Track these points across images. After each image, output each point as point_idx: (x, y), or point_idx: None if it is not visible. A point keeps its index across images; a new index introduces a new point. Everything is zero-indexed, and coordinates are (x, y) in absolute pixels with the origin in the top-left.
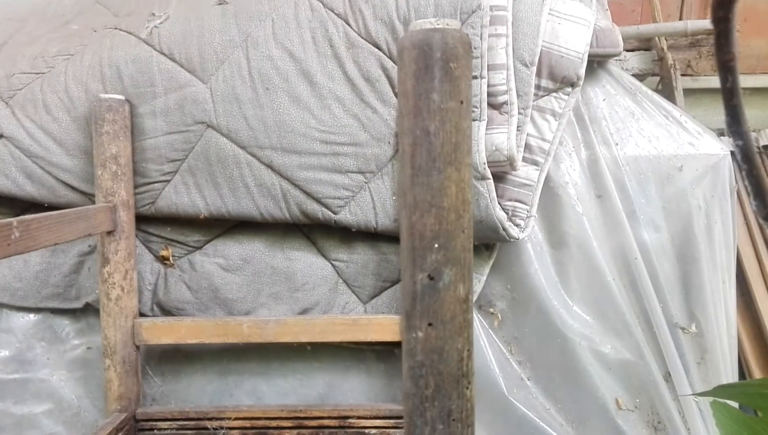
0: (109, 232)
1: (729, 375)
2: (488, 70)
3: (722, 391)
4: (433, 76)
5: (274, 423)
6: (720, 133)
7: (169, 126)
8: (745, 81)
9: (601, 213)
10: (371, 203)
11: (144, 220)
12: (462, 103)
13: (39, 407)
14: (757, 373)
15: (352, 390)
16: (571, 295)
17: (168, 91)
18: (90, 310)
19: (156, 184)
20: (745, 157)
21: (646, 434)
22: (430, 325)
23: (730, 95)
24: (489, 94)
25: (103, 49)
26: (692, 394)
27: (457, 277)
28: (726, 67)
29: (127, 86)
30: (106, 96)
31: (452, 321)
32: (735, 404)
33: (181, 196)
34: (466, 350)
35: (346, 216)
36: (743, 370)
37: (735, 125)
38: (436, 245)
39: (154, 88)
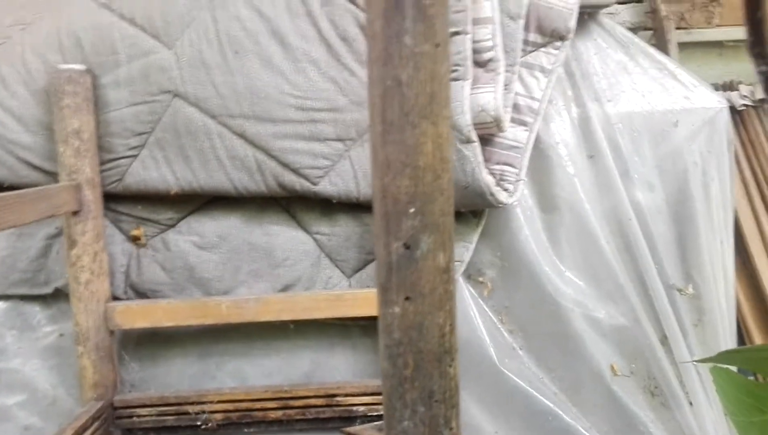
0: (75, 213)
1: (727, 336)
2: (473, 25)
3: (724, 357)
4: (404, 16)
5: (258, 405)
6: (714, 88)
7: (133, 96)
8: (740, 33)
9: (594, 174)
10: (352, 172)
11: (113, 199)
12: (438, 46)
13: (12, 398)
14: (755, 334)
15: (338, 367)
16: (563, 260)
17: (131, 59)
18: (61, 295)
19: (123, 160)
20: None
21: (642, 400)
22: (407, 299)
23: (755, 6)
24: (474, 51)
25: (61, 17)
26: (693, 361)
27: (436, 245)
28: None
29: (87, 55)
30: (66, 67)
31: (432, 294)
32: (734, 368)
33: (150, 172)
34: (448, 325)
35: (326, 187)
36: (741, 331)
37: (759, 45)
38: (412, 210)
39: (116, 56)
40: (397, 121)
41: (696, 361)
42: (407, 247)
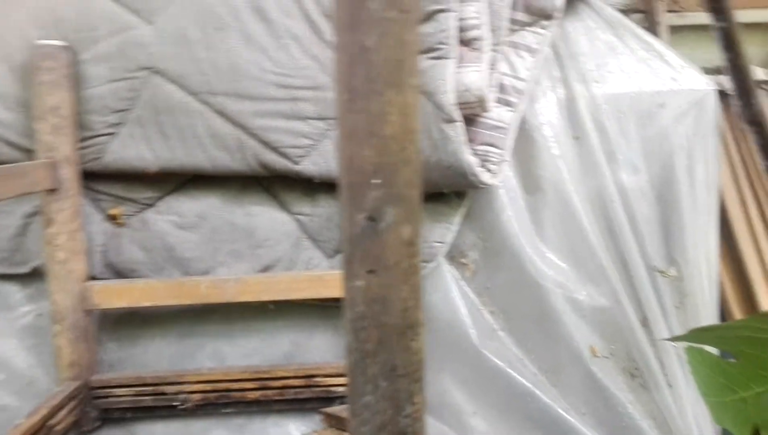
0: (52, 191)
1: (709, 319)
2: (459, 2)
3: (698, 335)
4: None
5: (236, 385)
6: (705, 72)
7: (112, 73)
8: (740, 17)
9: (578, 155)
10: (334, 152)
11: (91, 177)
12: (406, 12)
13: None
14: (738, 317)
15: (319, 348)
16: (546, 241)
17: (111, 35)
18: (39, 275)
19: (102, 138)
20: (727, 44)
21: (621, 381)
22: (371, 271)
23: None
24: (459, 29)
25: None
26: (667, 339)
27: (401, 217)
28: None
29: (67, 32)
30: (44, 42)
31: (396, 267)
32: (715, 350)
33: (129, 150)
34: (412, 299)
35: (308, 166)
36: (724, 315)
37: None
38: (377, 181)
39: (96, 32)
40: (362, 88)
41: (669, 339)
42: (371, 218)
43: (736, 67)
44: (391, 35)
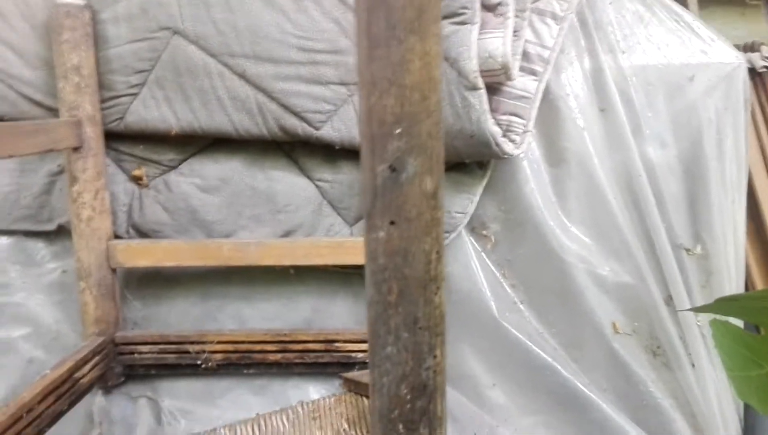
0: (76, 149)
1: None
2: None
3: (722, 305)
4: None
5: (257, 347)
6: (735, 49)
7: (133, 33)
8: None
9: (604, 127)
10: (356, 118)
11: (114, 138)
12: None
13: (17, 331)
14: None
15: (339, 314)
16: (569, 215)
17: None
18: (64, 232)
19: (123, 98)
20: None
21: (644, 359)
22: (392, 223)
23: None
24: None
25: None
26: (690, 309)
27: (424, 168)
28: None
29: None
30: (65, 1)
31: (418, 219)
32: (740, 323)
33: (151, 111)
34: (434, 252)
35: (329, 132)
36: None
37: None
38: (398, 131)
39: None
40: (383, 35)
41: (692, 309)
42: (393, 169)
43: None
44: None
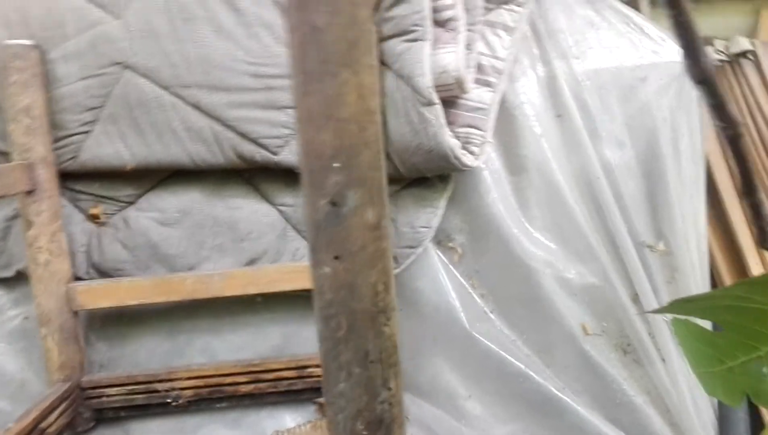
0: (29, 192)
1: (700, 292)
2: None
3: (679, 306)
4: None
5: (228, 380)
6: None
7: (83, 70)
8: None
9: (561, 133)
10: None
11: (69, 177)
12: None
13: None
14: None
15: (310, 338)
16: (532, 221)
17: (79, 32)
18: (23, 278)
19: (76, 136)
20: (672, 1)
21: (615, 358)
22: (336, 257)
23: None
24: (433, 10)
25: None
26: (648, 311)
27: (365, 201)
28: None
29: (35, 30)
30: (12, 42)
31: (362, 251)
32: (707, 323)
33: (105, 147)
34: (381, 283)
35: (288, 156)
36: (716, 286)
37: None
38: (337, 165)
39: (64, 29)
40: (316, 70)
41: (650, 311)
42: (333, 203)
43: (680, 23)
44: (342, 14)
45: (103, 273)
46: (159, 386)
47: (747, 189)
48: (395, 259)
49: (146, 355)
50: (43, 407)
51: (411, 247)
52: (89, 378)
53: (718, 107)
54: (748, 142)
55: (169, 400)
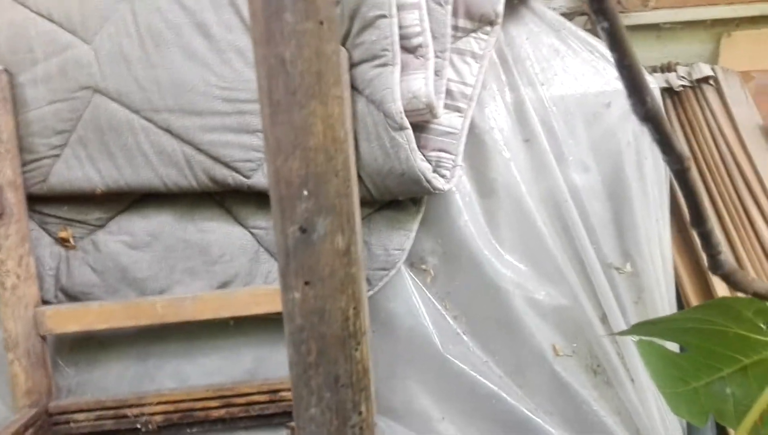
0: None
1: (667, 312)
2: (399, 10)
3: (644, 328)
4: None
5: (199, 404)
6: (652, 70)
7: (52, 94)
8: (677, 15)
9: (529, 157)
10: None
11: (38, 200)
12: (322, 23)
13: None
14: None
15: (283, 362)
16: (502, 243)
17: (48, 56)
18: None
19: (45, 160)
20: (613, 43)
21: (585, 379)
22: (306, 283)
23: None
24: (401, 37)
25: None
26: (612, 334)
27: (334, 228)
28: None
29: (3, 54)
30: None
31: (332, 277)
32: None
33: (74, 171)
34: (351, 308)
35: (260, 179)
36: (684, 307)
37: (597, 1)
38: (306, 192)
39: (33, 53)
40: (284, 101)
41: (616, 333)
42: (303, 230)
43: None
44: (308, 47)
45: (71, 297)
46: (128, 411)
47: (697, 220)
48: (369, 281)
49: (115, 380)
50: (9, 433)
51: (384, 269)
52: (57, 403)
53: (664, 142)
54: (695, 176)
55: (138, 426)
